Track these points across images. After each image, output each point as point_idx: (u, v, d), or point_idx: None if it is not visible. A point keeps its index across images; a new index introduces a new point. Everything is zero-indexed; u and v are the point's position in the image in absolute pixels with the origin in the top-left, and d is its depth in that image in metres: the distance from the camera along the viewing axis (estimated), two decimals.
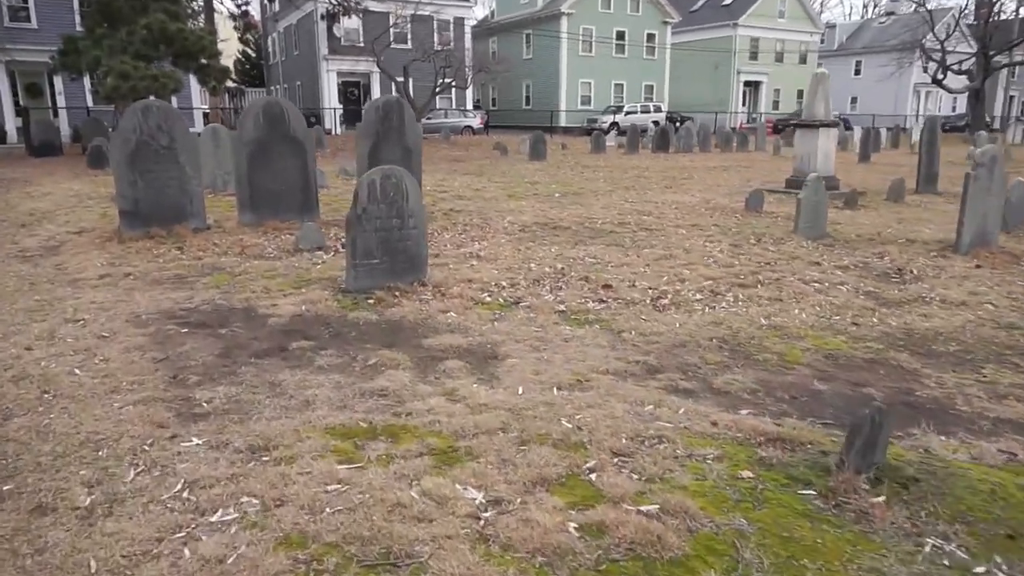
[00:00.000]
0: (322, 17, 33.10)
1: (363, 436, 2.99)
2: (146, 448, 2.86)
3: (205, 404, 3.33)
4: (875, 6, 74.55)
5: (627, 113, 39.69)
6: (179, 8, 18.36)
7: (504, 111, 44.44)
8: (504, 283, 5.78)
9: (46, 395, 3.43)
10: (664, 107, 42.77)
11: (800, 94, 51.35)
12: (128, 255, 6.76)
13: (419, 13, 30.98)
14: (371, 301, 5.14)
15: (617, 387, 3.60)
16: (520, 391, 3.51)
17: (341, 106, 36.10)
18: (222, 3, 31.79)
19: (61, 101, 28.07)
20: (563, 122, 40.42)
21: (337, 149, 21.85)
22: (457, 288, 5.54)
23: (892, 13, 60.14)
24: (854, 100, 56.97)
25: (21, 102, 27.74)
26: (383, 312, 4.92)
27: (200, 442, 2.92)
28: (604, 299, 5.37)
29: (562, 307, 5.13)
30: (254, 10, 41.36)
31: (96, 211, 9.59)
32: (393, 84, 33.20)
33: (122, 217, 7.55)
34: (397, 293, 5.33)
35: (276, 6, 39.71)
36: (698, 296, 5.53)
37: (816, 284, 6.01)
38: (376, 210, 5.33)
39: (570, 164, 19.89)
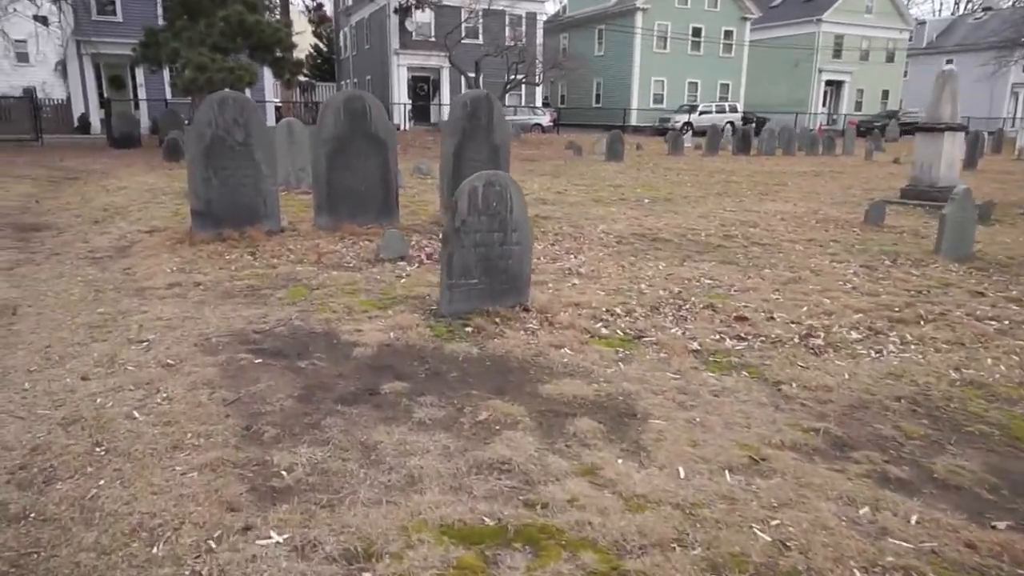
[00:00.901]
0: (395, 11, 32.86)
1: (492, 541, 2.25)
2: (212, 546, 2.18)
3: (285, 474, 2.65)
4: (968, 2, 70.28)
5: (701, 113, 38.17)
6: (257, 0, 18.18)
7: (573, 109, 43.47)
8: (618, 310, 4.97)
9: (98, 449, 2.82)
10: (740, 107, 41.00)
11: (886, 95, 48.64)
12: (199, 260, 6.25)
13: (492, 8, 30.32)
14: (469, 329, 4.41)
15: (807, 472, 2.75)
16: (681, 473, 2.71)
17: (410, 101, 35.85)
18: None
19: (142, 93, 28.65)
20: (634, 121, 39.18)
21: (407, 145, 21.39)
22: (565, 315, 4.76)
23: (989, 8, 56.36)
24: None
25: (105, 94, 28.43)
26: (485, 344, 4.18)
27: (281, 540, 2.23)
28: (742, 335, 4.50)
29: (695, 345, 4.29)
30: (327, 4, 41.61)
31: (169, 207, 9.22)
32: (463, 79, 32.76)
33: (194, 217, 7.07)
34: (498, 320, 4.59)
35: (349, 0, 39.79)
36: (854, 335, 4.59)
37: (993, 322, 4.98)
38: (476, 223, 4.60)
39: (649, 166, 18.88)
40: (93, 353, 3.92)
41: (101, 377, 3.58)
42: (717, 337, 4.46)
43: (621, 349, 4.19)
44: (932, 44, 54.97)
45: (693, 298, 5.38)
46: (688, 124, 37.28)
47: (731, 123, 36.02)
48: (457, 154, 8.00)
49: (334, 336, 4.29)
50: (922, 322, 4.92)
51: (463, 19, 31.84)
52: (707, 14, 40.87)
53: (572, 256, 6.82)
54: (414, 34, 35.14)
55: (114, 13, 28.46)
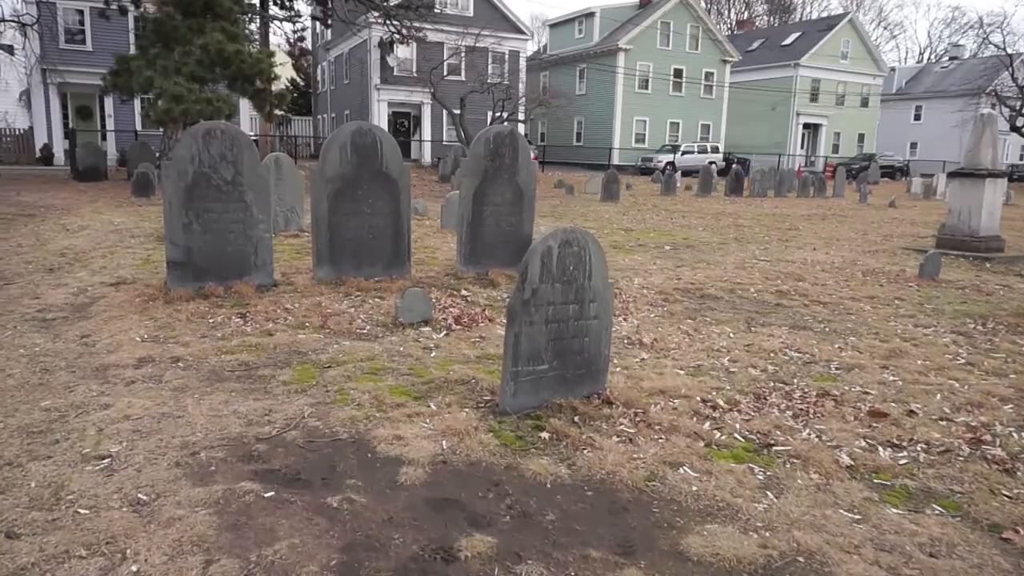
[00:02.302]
0: (377, 45, 32.16)
1: None
2: None
3: None
4: (931, 52, 72.37)
5: (684, 152, 37.99)
6: (238, 29, 17.19)
7: (554, 147, 43.05)
8: (718, 400, 3.94)
9: None
10: (721, 147, 41.00)
11: (861, 138, 49.29)
12: (176, 324, 5.08)
13: (477, 45, 29.79)
14: (545, 434, 3.34)
15: None
16: None
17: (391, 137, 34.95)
18: (280, 28, 31.05)
19: (110, 124, 27.33)
20: (616, 160, 38.76)
21: None
22: (657, 409, 3.72)
23: (956, 58, 58.01)
24: (914, 146, 54.61)
25: (71, 124, 27.03)
26: (574, 460, 3.11)
27: None
28: (893, 441, 3.50)
29: (844, 457, 3.27)
30: (307, 37, 40.89)
31: (139, 253, 8.02)
32: (445, 116, 32.03)
33: (171, 269, 5.91)
34: (576, 418, 3.53)
35: (328, 34, 39.10)
36: None
37: None
38: (549, 292, 3.56)
39: (647, 207, 18.14)
40: (29, 482, 2.76)
41: (38, 529, 2.42)
42: (864, 444, 3.44)
43: (756, 466, 3.14)
44: (902, 90, 56.25)
45: (796, 380, 4.39)
46: (671, 164, 37.04)
47: (713, 163, 35.81)
48: (478, 198, 7.00)
49: (367, 447, 3.18)
50: None
51: (447, 56, 31.25)
52: (688, 56, 41.05)
53: (623, 319, 5.80)
54: (396, 69, 34.45)
55: (83, 42, 27.26)
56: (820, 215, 17.81)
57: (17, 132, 28.55)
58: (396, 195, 6.61)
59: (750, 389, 4.18)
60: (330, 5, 22.72)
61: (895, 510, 2.81)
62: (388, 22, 23.09)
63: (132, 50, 20.91)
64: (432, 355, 4.62)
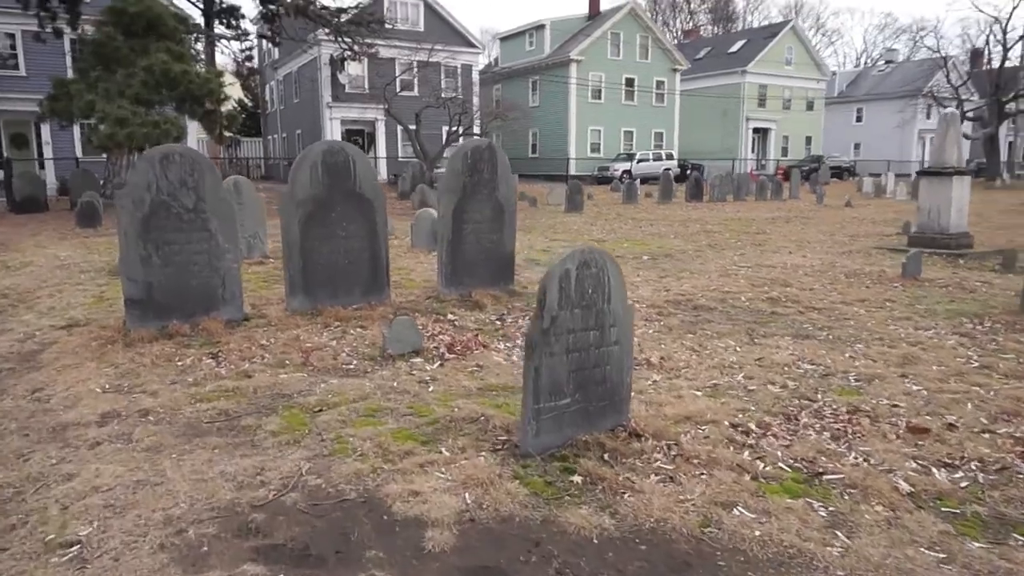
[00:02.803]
0: (328, 62, 31.56)
1: None
2: None
3: None
4: (867, 57, 75.01)
5: (639, 160, 38.29)
6: (183, 49, 16.52)
7: (511, 160, 42.38)
8: (749, 424, 3.67)
9: None
10: (675, 154, 41.49)
11: (808, 140, 50.56)
12: (141, 371, 4.59)
13: (430, 60, 29.46)
14: (577, 478, 3.00)
15: None
16: None
17: None
18: (228, 48, 30.23)
19: (48, 152, 26.08)
20: (573, 170, 38.82)
21: None
22: (687, 439, 3.42)
23: (892, 61, 60.14)
24: (857, 146, 56.28)
25: (5, 153, 25.70)
26: (616, 508, 2.78)
27: None
28: (944, 460, 3.27)
29: (901, 483, 3.01)
30: (254, 57, 39.97)
31: (90, 291, 7.41)
32: (400, 132, 31.58)
33: (129, 308, 5.40)
34: (606, 455, 3.21)
35: (276, 53, 38.30)
36: None
37: None
38: (569, 319, 3.24)
39: (611, 216, 18.03)
40: None
41: None
42: (915, 466, 3.20)
43: (814, 500, 2.86)
44: (843, 93, 57.98)
45: (819, 396, 4.15)
46: (627, 172, 37.27)
47: (668, 170, 36.19)
48: (457, 215, 6.65)
49: (381, 507, 2.79)
50: None
51: (399, 73, 30.86)
52: (639, 65, 41.50)
53: None
54: (347, 86, 33.89)
55: (16, 67, 26.03)
56: (784, 218, 17.96)
57: None
58: (372, 216, 6.22)
59: (777, 409, 3.92)
60: (278, 23, 22.12)
61: (977, 544, 2.56)
62: (339, 39, 22.61)
63: (70, 74, 19.95)
64: (430, 390, 4.24)
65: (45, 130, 25.31)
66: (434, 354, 4.92)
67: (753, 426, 3.64)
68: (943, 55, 40.47)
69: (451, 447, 3.34)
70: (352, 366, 4.70)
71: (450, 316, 6.06)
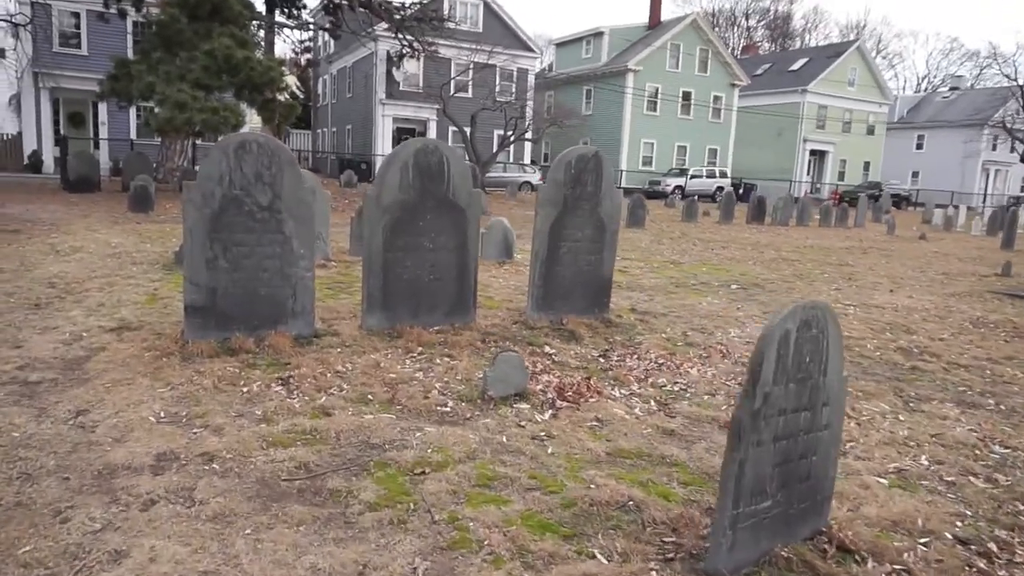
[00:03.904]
0: (384, 59, 31.18)
1: None
2: None
3: None
4: (929, 83, 72.42)
5: (692, 176, 37.21)
6: (247, 35, 16.09)
7: None
8: (989, 544, 2.81)
9: None
10: (728, 172, 40.26)
11: (867, 165, 48.79)
12: (201, 395, 3.90)
13: (489, 62, 28.85)
14: None
15: None
16: None
17: None
18: (289, 37, 30.01)
19: (103, 132, 26.08)
20: (624, 182, 37.89)
21: None
22: (912, 560, 2.58)
23: (956, 88, 57.91)
24: (915, 174, 54.26)
25: (62, 131, 25.74)
26: None
27: None
28: None
29: None
30: (311, 47, 39.92)
31: (143, 286, 6.81)
32: (451, 133, 31.04)
33: (190, 315, 4.72)
34: None
35: (332, 46, 38.13)
36: None
37: None
38: (783, 397, 2.43)
39: (676, 234, 17.11)
40: None
41: None
42: None
43: None
44: (903, 119, 56.02)
45: None
46: (680, 188, 36.24)
47: (721, 188, 35.03)
48: (555, 231, 5.87)
49: None
50: None
51: (456, 73, 30.33)
52: (697, 79, 40.44)
53: None
54: (402, 84, 33.49)
55: (79, 46, 26.13)
56: (859, 248, 16.84)
57: (4, 137, 27.22)
58: (463, 227, 5.47)
59: (1003, 517, 3.05)
60: (340, 15, 21.71)
61: None
62: (400, 35, 22.11)
63: (131, 55, 19.75)
64: (549, 451, 3.46)
65: (102, 110, 25.32)
66: (542, 399, 4.14)
67: (993, 547, 2.77)
68: (1020, 84, 38.58)
69: (606, 550, 2.55)
70: (447, 409, 3.95)
71: (547, 348, 5.27)
